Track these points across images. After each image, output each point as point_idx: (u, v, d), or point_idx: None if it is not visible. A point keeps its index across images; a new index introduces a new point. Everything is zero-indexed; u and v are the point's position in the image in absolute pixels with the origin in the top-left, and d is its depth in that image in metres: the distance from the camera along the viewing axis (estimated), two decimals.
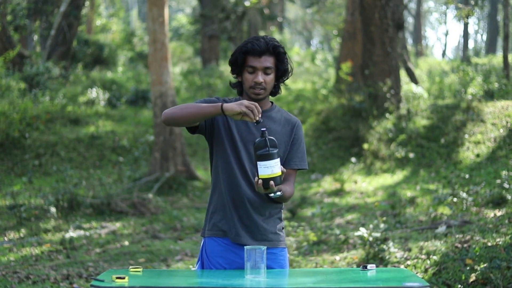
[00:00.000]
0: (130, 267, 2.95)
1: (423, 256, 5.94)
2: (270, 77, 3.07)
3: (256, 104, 2.86)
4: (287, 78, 3.17)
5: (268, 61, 3.04)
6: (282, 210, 3.24)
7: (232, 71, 3.13)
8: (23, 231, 8.02)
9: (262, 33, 24.68)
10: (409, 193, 9.38)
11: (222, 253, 3.09)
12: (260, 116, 2.85)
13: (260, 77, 3.04)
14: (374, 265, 3.08)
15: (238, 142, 3.08)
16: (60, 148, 12.36)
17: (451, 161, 10.78)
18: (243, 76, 3.09)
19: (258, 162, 2.84)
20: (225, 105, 2.88)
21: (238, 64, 3.08)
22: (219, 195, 3.14)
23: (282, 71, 3.09)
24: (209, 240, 3.13)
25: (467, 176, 9.37)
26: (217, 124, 3.10)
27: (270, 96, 3.17)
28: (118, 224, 8.75)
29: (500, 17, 31.02)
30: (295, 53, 25.56)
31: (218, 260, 3.09)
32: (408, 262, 5.89)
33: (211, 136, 3.12)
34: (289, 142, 3.14)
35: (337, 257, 6.63)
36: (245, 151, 3.08)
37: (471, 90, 13.39)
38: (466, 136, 11.31)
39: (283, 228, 3.22)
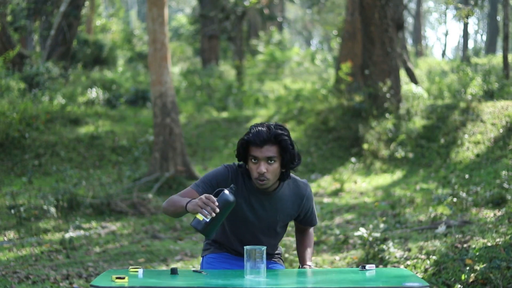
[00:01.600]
0: (130, 267, 2.95)
1: (422, 256, 5.94)
2: (274, 166, 3.00)
3: (211, 198, 2.79)
4: (297, 165, 3.08)
5: (270, 151, 2.98)
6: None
7: (238, 159, 3.10)
8: (23, 231, 8.02)
9: (262, 33, 24.67)
10: (408, 193, 9.38)
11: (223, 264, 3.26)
12: (216, 211, 2.78)
13: (263, 168, 2.98)
14: (373, 265, 3.08)
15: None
16: (60, 148, 12.36)
17: (451, 161, 10.78)
18: (248, 165, 3.05)
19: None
20: (188, 206, 2.86)
21: (241, 154, 3.04)
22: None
23: (287, 159, 3.02)
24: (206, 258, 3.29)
25: (467, 176, 9.37)
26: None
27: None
28: (118, 224, 8.75)
29: (500, 17, 31.02)
30: (295, 53, 25.54)
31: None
32: (408, 262, 5.89)
33: None
34: (298, 211, 3.24)
35: (337, 257, 6.63)
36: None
37: (470, 90, 13.39)
38: (466, 136, 11.32)
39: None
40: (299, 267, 3.32)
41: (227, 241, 3.24)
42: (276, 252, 3.38)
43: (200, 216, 2.80)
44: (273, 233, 3.23)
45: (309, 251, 3.35)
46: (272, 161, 2.99)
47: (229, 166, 3.12)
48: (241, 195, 3.09)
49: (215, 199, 2.80)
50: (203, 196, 2.80)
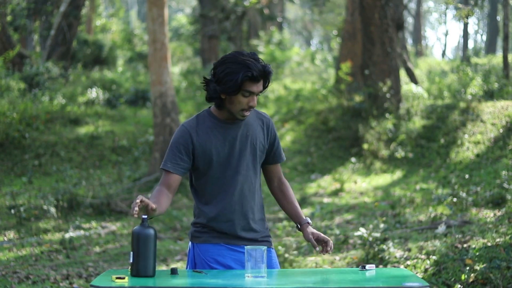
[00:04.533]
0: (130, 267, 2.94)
1: (422, 256, 5.94)
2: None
3: (137, 203, 2.81)
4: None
5: (261, 85, 3.08)
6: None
7: (224, 91, 3.03)
8: (23, 231, 8.02)
9: (262, 33, 24.68)
10: (408, 193, 9.38)
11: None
12: (136, 211, 2.81)
13: (256, 101, 3.08)
14: (373, 265, 3.08)
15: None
16: (60, 148, 12.36)
17: (451, 161, 10.78)
18: (235, 98, 3.04)
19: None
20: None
21: (235, 88, 3.01)
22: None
23: (262, 90, 3.13)
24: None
25: (467, 176, 9.37)
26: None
27: None
28: (118, 224, 8.75)
29: (500, 17, 31.02)
30: (295, 53, 25.53)
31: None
32: (408, 262, 5.89)
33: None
34: (267, 140, 3.22)
35: (337, 257, 6.63)
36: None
37: (470, 90, 13.40)
38: (466, 136, 11.32)
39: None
40: (297, 227, 3.28)
41: (213, 212, 3.14)
42: (264, 216, 3.28)
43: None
44: (255, 168, 3.18)
45: (297, 205, 3.33)
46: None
47: (184, 123, 3.15)
48: (209, 136, 3.11)
49: (137, 203, 2.81)
50: (135, 201, 2.83)
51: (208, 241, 3.14)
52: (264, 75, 3.04)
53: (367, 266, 3.04)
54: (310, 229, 3.22)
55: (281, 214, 9.22)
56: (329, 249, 3.14)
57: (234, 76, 2.99)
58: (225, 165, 3.13)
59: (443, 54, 44.10)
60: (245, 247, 2.88)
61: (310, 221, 3.26)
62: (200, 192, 3.20)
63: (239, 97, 3.04)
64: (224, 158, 3.12)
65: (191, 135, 3.10)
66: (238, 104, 3.05)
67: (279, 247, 6.47)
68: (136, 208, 2.79)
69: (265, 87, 3.10)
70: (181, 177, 3.13)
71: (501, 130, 10.88)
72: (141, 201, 2.81)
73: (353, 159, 12.09)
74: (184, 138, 3.10)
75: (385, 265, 5.94)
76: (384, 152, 11.99)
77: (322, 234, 3.18)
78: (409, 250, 6.30)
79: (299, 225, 3.28)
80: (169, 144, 3.14)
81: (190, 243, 3.22)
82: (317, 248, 3.16)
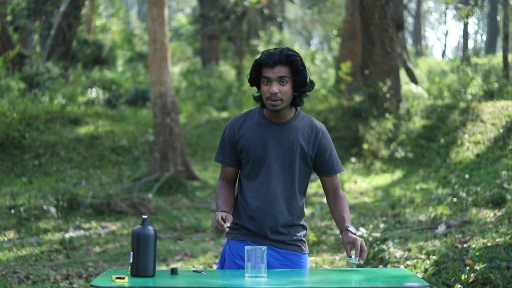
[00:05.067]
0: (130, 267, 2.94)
1: (422, 256, 5.94)
2: (286, 87, 3.05)
3: (218, 219, 2.95)
4: (310, 90, 3.12)
5: (282, 71, 3.03)
6: None
7: (251, 84, 3.13)
8: (23, 231, 8.01)
9: (262, 33, 24.68)
10: (408, 193, 9.38)
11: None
12: (226, 225, 2.95)
13: (275, 88, 3.02)
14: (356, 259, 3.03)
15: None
16: (60, 148, 12.36)
17: (451, 161, 10.78)
18: (261, 88, 3.10)
19: None
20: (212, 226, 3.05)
21: (254, 76, 3.08)
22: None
23: (299, 80, 3.06)
24: None
25: (467, 176, 9.37)
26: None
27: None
28: (118, 224, 8.75)
29: (500, 17, 31.02)
30: None
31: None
32: (408, 262, 5.89)
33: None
34: (313, 149, 3.15)
35: (337, 257, 6.63)
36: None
37: (470, 90, 13.40)
38: (466, 136, 11.32)
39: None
40: (340, 234, 3.15)
41: (244, 207, 3.17)
42: (299, 223, 3.21)
43: None
44: (292, 172, 3.13)
45: (346, 214, 3.16)
46: (284, 82, 3.04)
47: (233, 117, 3.22)
48: (251, 132, 3.13)
49: (222, 220, 2.97)
50: (214, 219, 2.97)
51: (237, 238, 3.18)
52: (279, 60, 3.02)
53: (353, 257, 3.01)
54: (349, 236, 3.08)
55: None
56: (359, 257, 3.01)
57: (252, 67, 3.09)
58: (261, 163, 3.12)
59: (443, 54, 44.13)
60: (245, 247, 2.89)
61: (351, 228, 3.10)
62: (240, 187, 3.23)
63: (262, 86, 3.07)
64: (261, 156, 3.11)
65: (234, 129, 3.16)
66: (263, 93, 3.08)
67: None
68: (224, 226, 2.95)
69: (295, 75, 3.04)
70: (236, 168, 3.20)
71: (501, 130, 10.88)
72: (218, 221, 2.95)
73: (353, 159, 12.09)
74: (230, 130, 3.18)
75: (385, 265, 5.94)
76: (384, 152, 11.99)
77: (359, 242, 3.03)
78: (409, 250, 6.30)
79: (341, 233, 3.16)
80: (221, 138, 3.23)
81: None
82: (351, 258, 3.02)
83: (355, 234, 3.09)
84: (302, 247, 3.22)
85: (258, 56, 3.16)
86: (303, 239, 3.25)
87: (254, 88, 3.18)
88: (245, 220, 3.17)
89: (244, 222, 3.17)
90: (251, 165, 3.14)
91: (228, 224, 2.96)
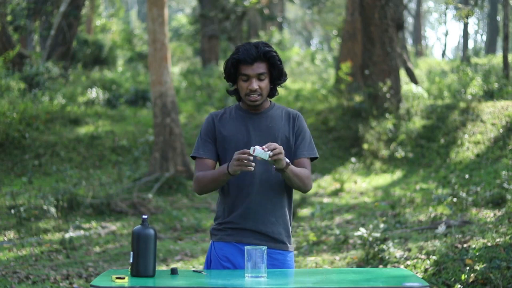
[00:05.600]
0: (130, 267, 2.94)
1: (422, 256, 5.94)
2: (265, 83, 3.11)
3: (241, 154, 2.89)
4: (284, 81, 3.18)
5: (260, 67, 3.08)
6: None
7: (227, 80, 3.17)
8: (23, 231, 8.01)
9: (262, 33, 24.70)
10: (408, 193, 9.38)
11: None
12: (250, 159, 2.88)
13: (255, 84, 3.08)
14: None
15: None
16: (60, 148, 12.35)
17: (451, 161, 10.78)
18: (238, 84, 3.14)
19: None
20: (230, 171, 2.96)
21: (232, 73, 3.12)
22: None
23: (276, 74, 3.12)
24: None
25: (467, 176, 9.37)
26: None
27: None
28: (118, 224, 8.75)
29: (500, 17, 31.02)
30: (295, 53, 25.54)
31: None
32: (408, 262, 5.89)
33: None
34: (293, 134, 3.18)
35: (337, 257, 6.63)
36: None
37: (470, 90, 13.40)
38: (466, 136, 11.31)
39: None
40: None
41: (227, 203, 3.14)
42: (286, 214, 3.18)
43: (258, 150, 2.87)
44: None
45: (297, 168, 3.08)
46: (263, 78, 3.09)
47: (211, 113, 3.23)
48: (231, 124, 3.16)
49: (246, 152, 2.88)
50: (235, 156, 2.90)
51: (222, 239, 3.16)
52: (256, 56, 3.05)
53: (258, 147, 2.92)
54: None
55: None
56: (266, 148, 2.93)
57: (227, 63, 3.12)
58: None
59: (443, 54, 44.12)
60: (245, 247, 2.88)
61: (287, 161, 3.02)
62: (223, 187, 3.18)
63: (240, 82, 3.11)
64: (243, 146, 3.10)
65: (214, 121, 3.18)
66: (241, 90, 3.12)
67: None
68: (247, 158, 2.87)
69: (272, 70, 3.09)
70: (215, 161, 3.18)
71: (501, 130, 10.88)
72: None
73: (353, 159, 12.09)
74: (208, 124, 3.19)
75: (385, 265, 5.94)
76: (384, 152, 11.99)
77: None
78: (409, 250, 6.30)
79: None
80: (200, 133, 3.22)
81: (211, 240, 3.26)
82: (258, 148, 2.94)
83: (287, 163, 3.01)
84: (288, 244, 3.20)
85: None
86: (290, 234, 3.23)
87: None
88: (228, 219, 3.14)
89: (230, 219, 3.13)
90: (232, 156, 3.06)
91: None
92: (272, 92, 3.18)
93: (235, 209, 3.13)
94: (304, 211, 9.41)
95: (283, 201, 3.18)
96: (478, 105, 12.20)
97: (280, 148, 2.93)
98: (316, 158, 3.24)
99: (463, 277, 5.09)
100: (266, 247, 2.91)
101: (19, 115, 12.44)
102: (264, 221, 3.12)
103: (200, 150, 3.17)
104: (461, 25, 34.19)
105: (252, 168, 2.89)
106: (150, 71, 11.72)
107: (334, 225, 8.22)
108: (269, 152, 2.89)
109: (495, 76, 14.45)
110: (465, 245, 5.92)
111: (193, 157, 3.20)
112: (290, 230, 3.25)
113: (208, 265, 3.20)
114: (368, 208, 9.10)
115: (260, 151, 2.89)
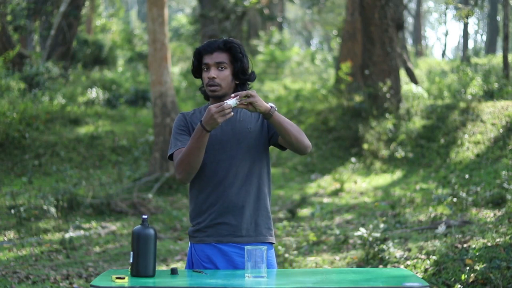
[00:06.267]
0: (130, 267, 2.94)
1: (422, 256, 5.94)
2: (224, 73, 3.06)
3: (216, 106, 2.82)
4: (249, 78, 3.11)
5: (220, 57, 3.06)
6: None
7: (194, 75, 3.17)
8: (23, 231, 8.02)
9: (262, 33, 24.70)
10: (408, 193, 9.38)
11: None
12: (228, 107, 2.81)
13: (213, 73, 3.05)
14: None
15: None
16: (60, 148, 12.36)
17: (451, 161, 10.78)
18: (202, 76, 3.12)
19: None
20: (204, 123, 2.86)
21: (196, 66, 3.13)
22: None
23: (238, 67, 3.07)
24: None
25: (467, 176, 9.37)
26: None
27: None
28: (118, 224, 8.76)
29: (500, 17, 31.02)
30: (295, 53, 25.53)
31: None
32: (408, 262, 5.89)
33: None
34: (264, 124, 3.11)
35: (337, 257, 6.63)
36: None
37: (470, 90, 13.40)
38: (466, 136, 11.31)
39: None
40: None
41: (205, 203, 3.09)
42: (264, 215, 3.12)
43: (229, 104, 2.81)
44: (252, 154, 3.08)
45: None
46: (222, 68, 3.06)
47: (182, 112, 3.21)
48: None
49: (219, 103, 2.82)
50: (213, 110, 2.82)
51: (202, 241, 3.11)
52: (217, 46, 3.05)
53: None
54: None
55: (281, 214, 9.22)
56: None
57: (193, 56, 3.17)
58: (216, 148, 3.08)
59: (443, 54, 44.13)
60: (245, 247, 2.88)
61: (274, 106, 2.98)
62: (192, 184, 3.13)
63: (203, 74, 3.11)
64: (216, 141, 3.07)
65: (186, 118, 3.15)
66: (204, 81, 3.10)
67: (279, 247, 6.47)
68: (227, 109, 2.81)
69: (234, 61, 3.04)
70: None
71: (501, 130, 10.88)
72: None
73: (353, 159, 12.09)
74: (181, 120, 3.15)
75: (385, 265, 5.94)
76: (384, 152, 11.99)
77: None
78: (409, 250, 6.30)
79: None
80: (173, 129, 3.15)
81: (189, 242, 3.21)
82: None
83: (271, 107, 2.94)
84: (268, 236, 3.13)
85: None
86: (270, 226, 3.17)
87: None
88: (207, 213, 3.08)
89: (206, 216, 3.08)
90: (209, 150, 3.05)
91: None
92: (239, 90, 3.08)
93: (212, 205, 3.08)
94: (304, 211, 9.42)
95: (260, 193, 3.13)
96: (478, 105, 12.20)
97: (248, 92, 2.87)
98: None
99: (463, 277, 5.09)
100: (266, 247, 2.90)
101: (19, 115, 12.45)
102: (242, 214, 3.07)
103: (178, 142, 3.08)
104: (461, 25, 34.20)
105: (232, 113, 2.83)
106: (150, 71, 11.73)
107: (334, 225, 8.22)
108: (237, 97, 2.85)
109: (495, 76, 14.45)
110: (465, 245, 5.92)
111: (171, 157, 3.10)
112: (271, 223, 3.19)
113: (190, 267, 3.16)
114: (368, 208, 9.10)
115: (231, 101, 2.85)
